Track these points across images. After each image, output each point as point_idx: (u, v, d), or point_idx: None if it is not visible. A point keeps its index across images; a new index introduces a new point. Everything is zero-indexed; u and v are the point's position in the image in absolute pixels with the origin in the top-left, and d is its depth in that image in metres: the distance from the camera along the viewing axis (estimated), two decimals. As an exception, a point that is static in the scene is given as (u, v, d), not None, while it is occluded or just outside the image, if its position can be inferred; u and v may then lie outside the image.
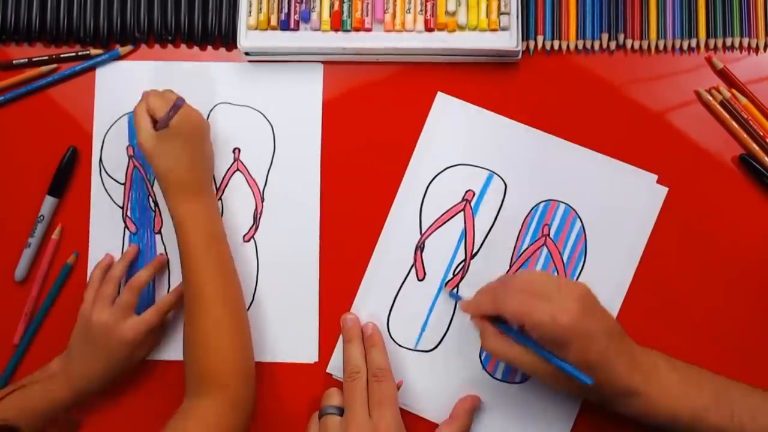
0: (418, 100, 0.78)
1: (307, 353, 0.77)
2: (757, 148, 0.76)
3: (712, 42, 0.77)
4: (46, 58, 0.80)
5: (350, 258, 0.77)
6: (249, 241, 0.78)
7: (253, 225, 0.78)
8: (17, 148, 0.79)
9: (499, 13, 0.77)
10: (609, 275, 0.75)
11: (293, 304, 0.77)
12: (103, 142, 0.79)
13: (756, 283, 0.75)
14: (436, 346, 0.76)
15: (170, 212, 0.72)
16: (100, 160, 0.79)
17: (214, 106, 0.79)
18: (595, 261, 0.75)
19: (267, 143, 0.79)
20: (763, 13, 0.77)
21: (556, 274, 0.75)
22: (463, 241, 0.76)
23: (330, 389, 0.73)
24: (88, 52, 0.79)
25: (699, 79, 0.78)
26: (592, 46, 0.78)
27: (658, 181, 0.76)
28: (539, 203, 0.77)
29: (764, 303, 0.75)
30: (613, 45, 0.78)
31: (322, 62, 0.79)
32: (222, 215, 0.78)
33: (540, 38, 0.78)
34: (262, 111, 0.79)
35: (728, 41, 0.77)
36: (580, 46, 0.78)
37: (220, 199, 0.78)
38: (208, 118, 0.79)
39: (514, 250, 0.76)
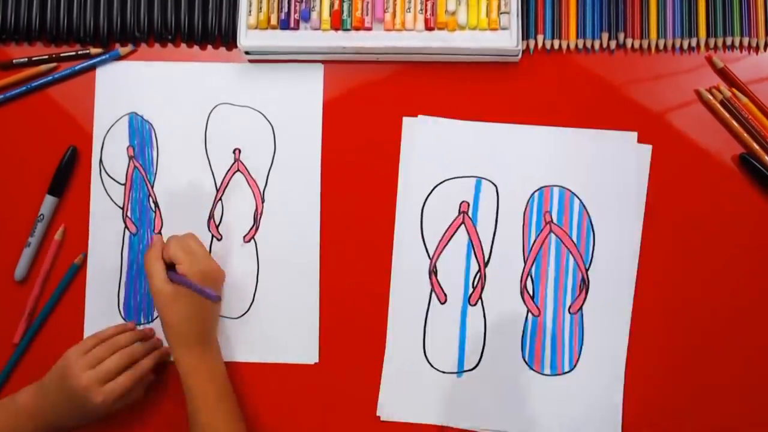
0: (418, 100, 0.78)
1: (308, 354, 0.77)
2: (757, 147, 0.75)
3: (712, 41, 0.77)
4: (46, 57, 0.80)
5: (350, 258, 0.77)
6: (249, 241, 0.78)
7: (253, 225, 0.78)
8: (17, 147, 0.79)
9: (499, 13, 0.76)
10: (621, 243, 0.76)
11: (293, 305, 0.77)
12: (103, 142, 0.79)
13: (756, 282, 0.75)
14: (478, 363, 0.76)
15: (176, 361, 0.71)
16: (100, 161, 0.79)
17: (215, 107, 0.79)
18: (604, 233, 0.76)
19: (267, 144, 0.79)
20: (763, 13, 0.77)
21: (573, 260, 0.76)
22: (473, 252, 0.76)
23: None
24: (88, 51, 0.79)
25: (699, 79, 0.78)
26: (592, 45, 0.78)
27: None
28: (533, 193, 0.77)
29: (764, 303, 0.75)
30: (613, 44, 0.78)
31: (323, 62, 0.79)
32: (222, 216, 0.78)
33: (540, 37, 0.78)
34: (262, 111, 0.79)
35: (728, 40, 0.77)
36: (580, 46, 0.78)
37: (221, 199, 0.78)
38: (208, 119, 0.79)
39: (523, 246, 0.76)
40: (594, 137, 0.76)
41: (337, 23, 0.77)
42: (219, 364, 0.73)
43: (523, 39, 0.77)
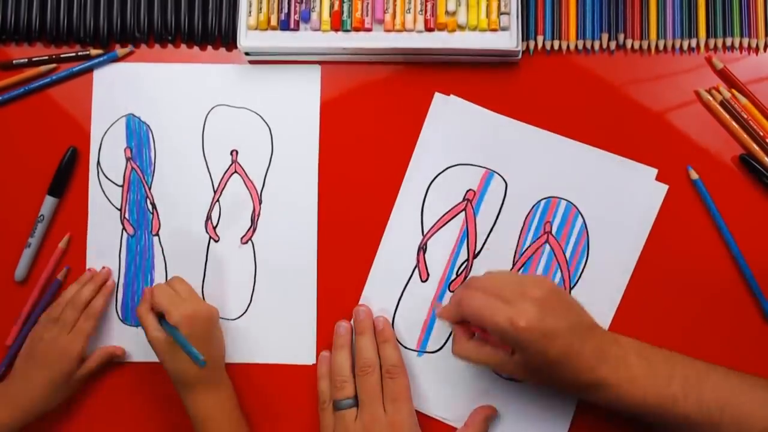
0: (418, 100, 0.78)
1: (305, 355, 0.77)
2: (757, 148, 0.75)
3: (712, 42, 0.77)
4: (46, 58, 0.80)
5: (348, 259, 0.77)
6: (246, 243, 0.78)
7: (250, 227, 0.78)
8: (17, 148, 0.80)
9: (499, 13, 0.76)
10: (611, 271, 0.75)
11: (291, 306, 0.77)
12: (100, 143, 0.79)
13: (756, 282, 0.75)
14: (441, 347, 0.76)
15: (185, 405, 0.71)
16: (98, 162, 0.79)
17: (212, 108, 0.79)
18: (597, 257, 0.75)
19: (265, 145, 0.79)
20: (763, 13, 0.77)
21: (560, 275, 0.75)
22: (466, 240, 0.76)
23: (341, 377, 0.72)
24: (88, 52, 0.79)
25: (699, 79, 0.77)
26: (592, 46, 0.78)
27: (657, 178, 0.76)
28: (540, 200, 0.77)
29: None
30: (613, 45, 0.78)
31: (322, 62, 0.79)
32: (220, 217, 0.78)
33: (540, 38, 0.78)
34: (259, 113, 0.79)
35: (728, 41, 0.77)
36: (580, 46, 0.78)
37: (218, 201, 0.78)
38: (205, 121, 0.79)
39: (516, 249, 0.76)
40: (614, 163, 0.76)
41: (337, 24, 0.77)
42: (229, 401, 0.73)
43: (523, 40, 0.77)
